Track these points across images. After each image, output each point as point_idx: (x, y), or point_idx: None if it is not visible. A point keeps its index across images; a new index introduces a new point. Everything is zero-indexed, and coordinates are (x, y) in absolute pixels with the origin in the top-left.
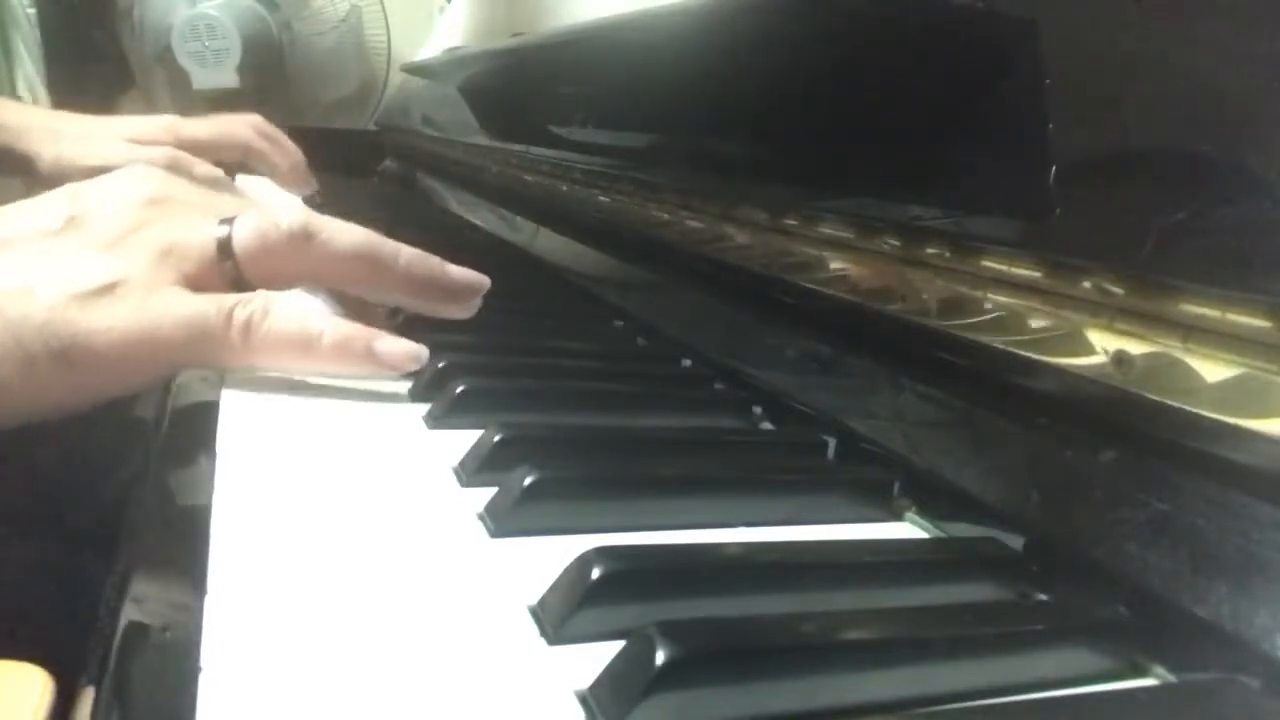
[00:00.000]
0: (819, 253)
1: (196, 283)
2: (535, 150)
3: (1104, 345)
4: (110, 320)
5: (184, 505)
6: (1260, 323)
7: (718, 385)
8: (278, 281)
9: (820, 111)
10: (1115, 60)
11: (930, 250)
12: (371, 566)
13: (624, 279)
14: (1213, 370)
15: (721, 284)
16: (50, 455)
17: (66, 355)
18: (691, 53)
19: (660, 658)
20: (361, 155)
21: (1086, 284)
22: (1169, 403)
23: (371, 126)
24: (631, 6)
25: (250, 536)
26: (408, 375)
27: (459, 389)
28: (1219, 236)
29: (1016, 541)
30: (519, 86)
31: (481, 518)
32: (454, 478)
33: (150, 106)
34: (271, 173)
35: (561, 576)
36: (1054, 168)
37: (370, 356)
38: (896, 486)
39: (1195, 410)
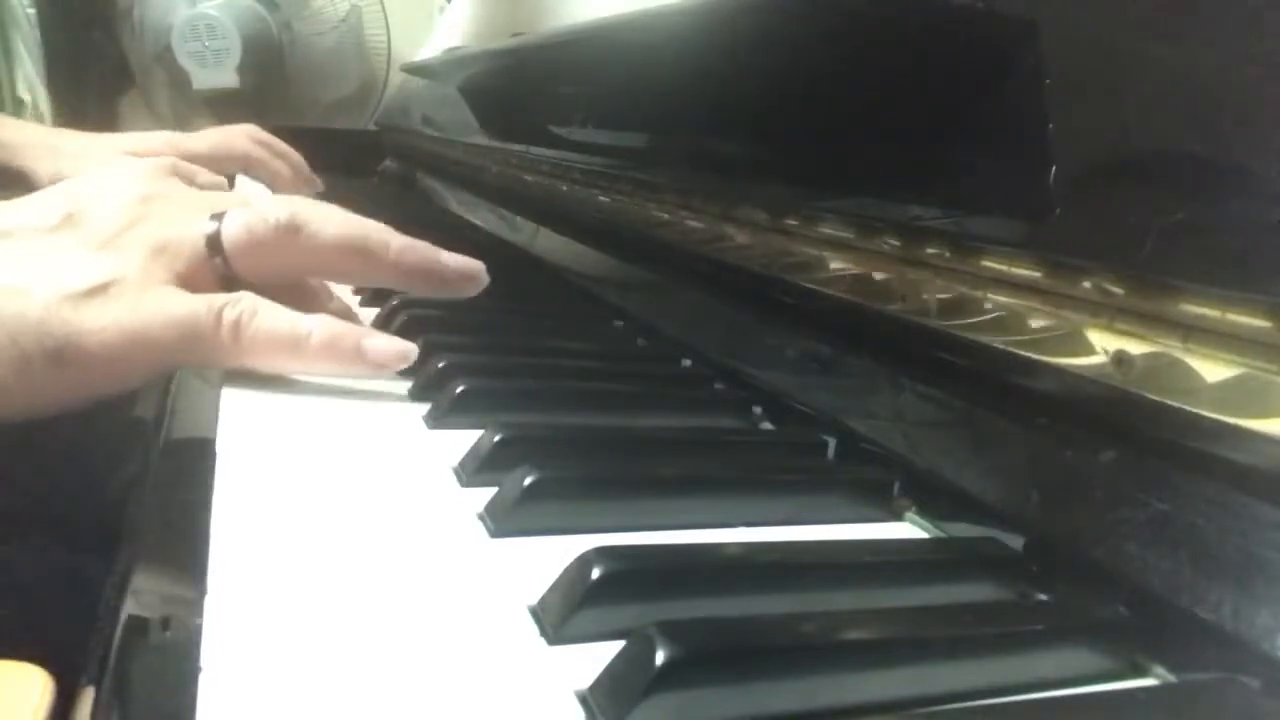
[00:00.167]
0: (819, 253)
1: (188, 280)
2: (535, 150)
3: (1104, 345)
4: (103, 320)
5: (184, 505)
6: (1260, 323)
7: (718, 385)
8: (268, 275)
9: (820, 111)
10: (1115, 60)
11: (930, 250)
12: (371, 567)
13: (624, 279)
14: (1213, 370)
15: (721, 284)
16: (50, 455)
17: (60, 354)
18: (691, 53)
19: (660, 658)
20: (361, 155)
21: (1086, 284)
22: (1169, 403)
23: (371, 126)
24: (631, 6)
25: (250, 536)
26: (407, 375)
27: (459, 389)
28: (1219, 236)
29: (1016, 541)
30: (519, 86)
31: (481, 518)
32: (454, 478)
33: (150, 106)
34: (274, 179)
35: (561, 576)
36: (1054, 168)
37: (359, 355)
38: (896, 486)
39: (1195, 410)
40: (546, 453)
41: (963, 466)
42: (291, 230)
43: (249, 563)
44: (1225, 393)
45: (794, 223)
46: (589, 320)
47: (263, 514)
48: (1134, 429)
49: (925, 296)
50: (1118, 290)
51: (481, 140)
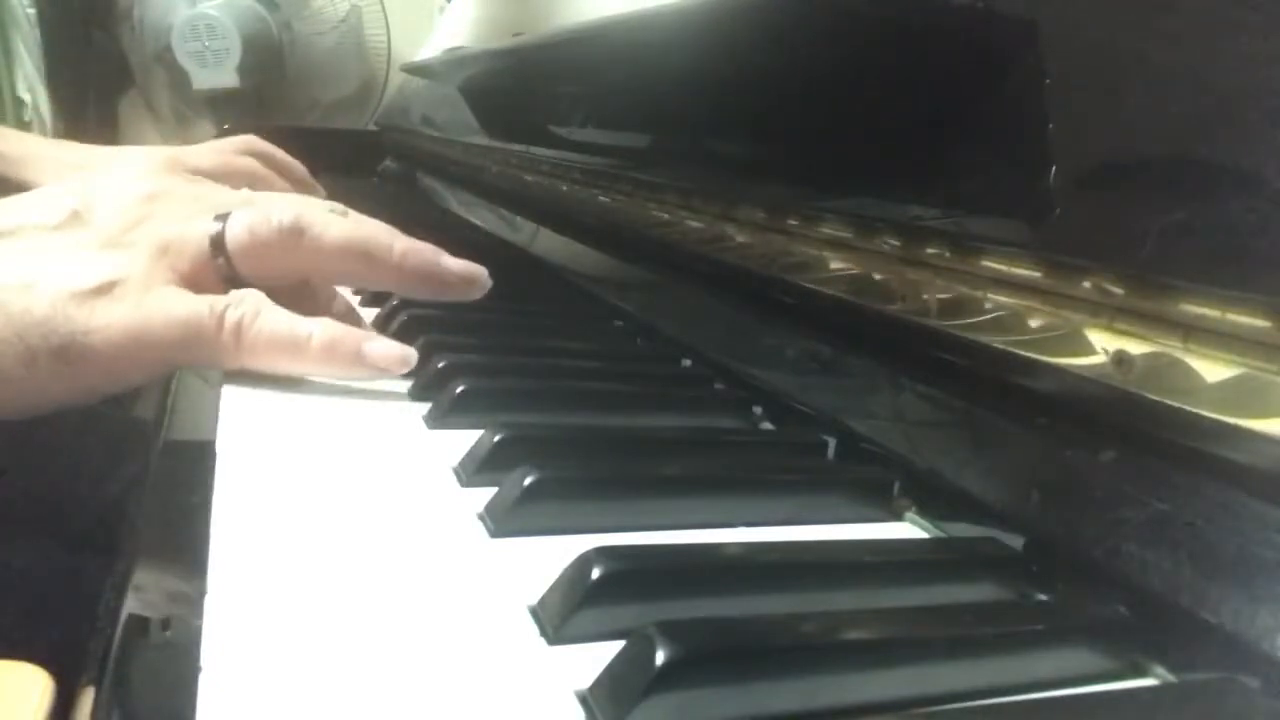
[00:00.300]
0: (819, 253)
1: (192, 280)
2: (535, 150)
3: (1104, 345)
4: (107, 319)
5: (184, 505)
6: (1260, 323)
7: (718, 385)
8: (271, 277)
9: (820, 111)
10: (1115, 60)
11: (930, 250)
12: (371, 567)
13: (624, 279)
14: (1213, 370)
15: (721, 284)
16: (50, 455)
17: (65, 352)
18: (691, 53)
19: (660, 658)
20: (361, 155)
21: (1086, 284)
22: (1169, 403)
23: (371, 126)
24: (631, 6)
25: (250, 536)
26: (407, 375)
27: (459, 389)
28: (1219, 236)
29: (1016, 541)
30: (519, 86)
31: (481, 518)
32: (454, 478)
33: (150, 106)
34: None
35: (561, 576)
36: (1054, 168)
37: (359, 359)
38: (896, 486)
39: (1195, 410)
40: (546, 453)
41: (963, 466)
42: (295, 233)
43: (249, 562)
44: (1225, 393)
45: (794, 223)
46: (589, 320)
47: (263, 514)
48: (1134, 429)
49: (925, 296)
50: (1118, 290)
51: (481, 140)
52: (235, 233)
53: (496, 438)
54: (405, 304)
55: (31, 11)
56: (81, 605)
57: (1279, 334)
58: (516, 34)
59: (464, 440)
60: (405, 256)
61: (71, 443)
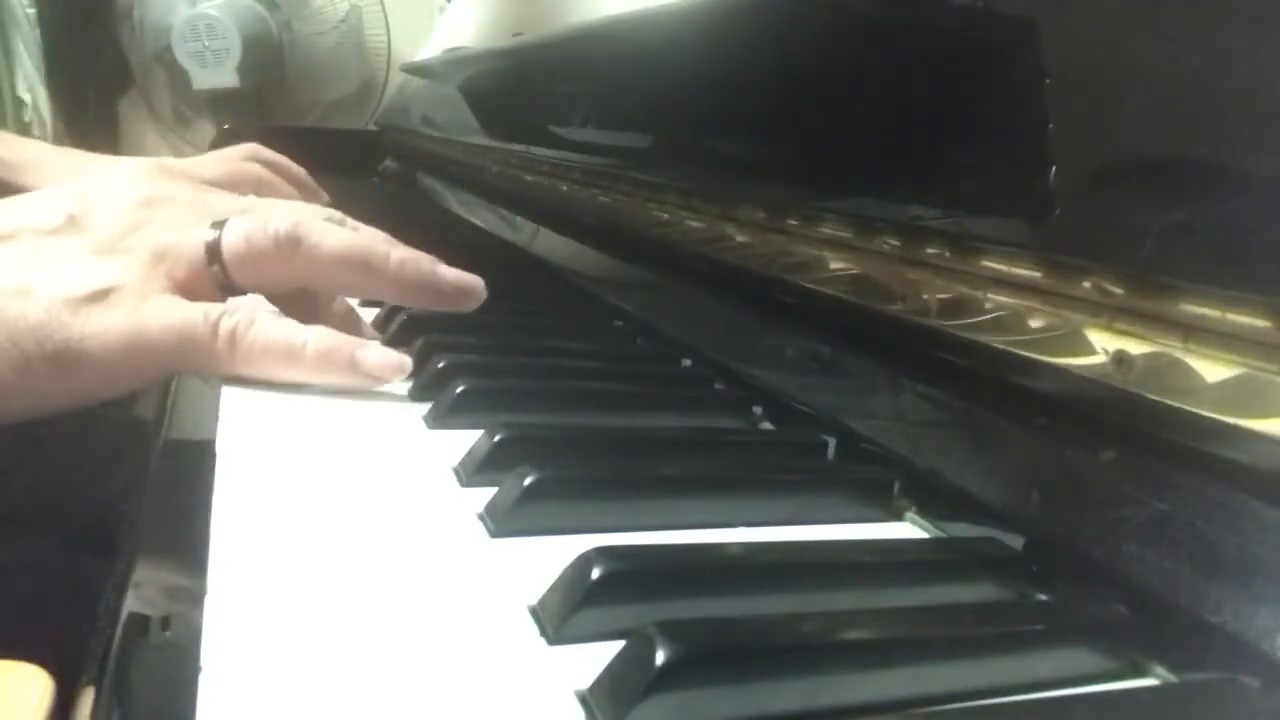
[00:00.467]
0: (819, 253)
1: (188, 287)
2: (535, 150)
3: (1104, 345)
4: (102, 326)
5: (184, 505)
6: (1260, 323)
7: (718, 385)
8: (267, 285)
9: (820, 111)
10: (1115, 60)
11: (930, 250)
12: (371, 567)
13: (624, 279)
14: (1213, 370)
15: (721, 284)
16: (50, 455)
17: (59, 358)
18: (691, 52)
19: (660, 658)
20: (361, 155)
21: (1086, 284)
22: (1169, 403)
23: (371, 126)
24: (632, 6)
25: (250, 537)
26: (407, 375)
27: (459, 389)
28: (1219, 236)
29: (1016, 541)
30: (519, 86)
31: (481, 518)
32: (454, 478)
33: (150, 106)
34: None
35: (561, 576)
36: (1054, 168)
37: (354, 367)
38: (896, 486)
39: (1195, 410)
40: (546, 453)
41: (963, 466)
42: (292, 242)
43: (249, 562)
44: (1225, 393)
45: (794, 223)
46: (589, 320)
47: (262, 514)
48: (1134, 429)
49: (925, 296)
50: (1118, 290)
51: (481, 140)
52: (231, 241)
53: (496, 438)
54: None
55: (31, 11)
56: (81, 605)
57: (1279, 334)
58: (516, 34)
59: (464, 440)
60: (402, 266)
61: (71, 443)
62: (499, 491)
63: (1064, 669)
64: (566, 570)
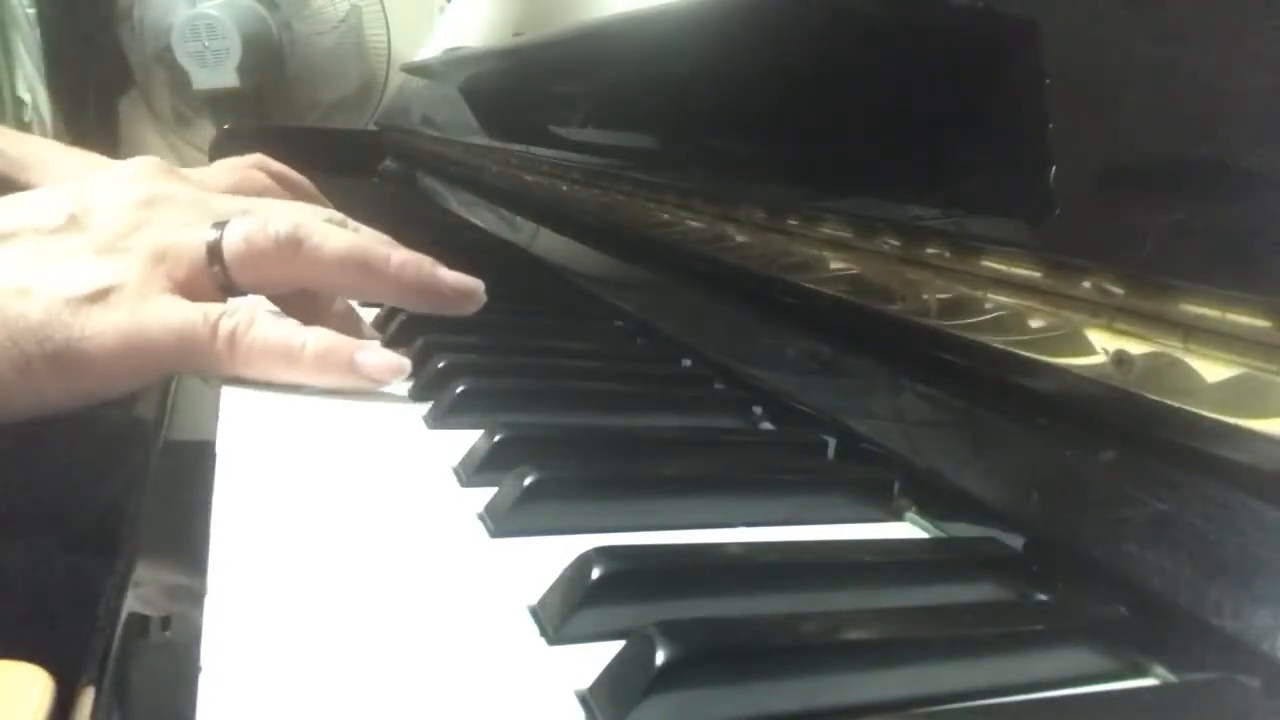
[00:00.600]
0: (819, 253)
1: (188, 287)
2: (535, 150)
3: (1104, 345)
4: (102, 326)
5: (184, 505)
6: (1260, 323)
7: (718, 385)
8: (268, 286)
9: (820, 111)
10: (1115, 60)
11: (930, 250)
12: (371, 567)
13: (624, 279)
14: (1213, 370)
15: (721, 284)
16: (50, 455)
17: (59, 358)
18: (691, 52)
19: (660, 658)
20: (361, 155)
21: (1086, 284)
22: (1169, 403)
23: (371, 126)
24: (632, 6)
25: (250, 537)
26: (407, 375)
27: (459, 389)
28: (1219, 236)
29: (1016, 541)
30: (519, 86)
31: (481, 518)
32: (454, 478)
33: (150, 106)
34: None
35: (561, 576)
36: (1054, 168)
37: (352, 369)
38: (896, 486)
39: (1195, 410)
40: (546, 453)
41: (963, 466)
42: (293, 243)
43: (249, 563)
44: (1225, 393)
45: (794, 223)
46: (589, 320)
47: (262, 514)
48: (1134, 429)
49: (925, 296)
50: (1118, 290)
51: (481, 140)
52: (232, 241)
53: (496, 438)
54: None
55: (31, 11)
56: (81, 605)
57: (1279, 334)
58: (516, 34)
59: (464, 440)
60: (403, 268)
61: (71, 443)
62: (499, 491)
63: (1064, 669)
64: (566, 570)
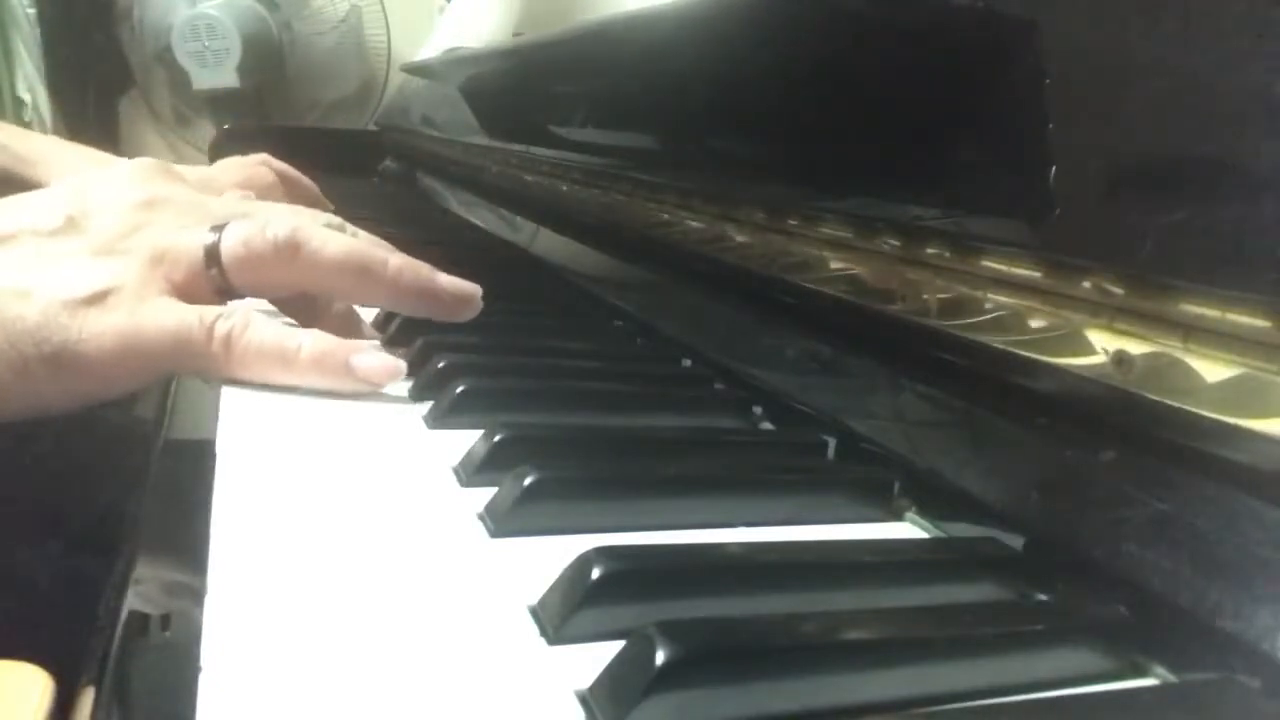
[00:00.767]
0: (819, 253)
1: (185, 290)
2: (535, 150)
3: (1104, 345)
4: (99, 328)
5: (184, 505)
6: (1260, 323)
7: (718, 385)
8: (265, 290)
9: (820, 111)
10: (1115, 60)
11: (930, 250)
12: (371, 567)
13: (624, 279)
14: (1213, 370)
15: (721, 284)
16: (50, 455)
17: (56, 359)
18: (691, 53)
19: (660, 658)
20: (361, 155)
21: (1086, 284)
22: (1169, 403)
23: (371, 126)
24: (632, 6)
25: (250, 537)
26: (407, 375)
27: (459, 389)
28: (1219, 236)
29: (1016, 541)
30: (519, 86)
31: (481, 518)
32: (454, 478)
33: (150, 106)
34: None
35: (561, 576)
36: (1054, 168)
37: (348, 371)
38: (896, 486)
39: (1195, 410)
40: (546, 453)
41: (963, 466)
42: (291, 247)
43: (249, 563)
44: (1225, 393)
45: (794, 223)
46: (589, 320)
47: (262, 514)
48: (1134, 429)
49: (925, 296)
50: (1118, 290)
51: (481, 140)
52: (230, 245)
53: (496, 438)
54: None
55: (31, 11)
56: (81, 605)
57: (1279, 334)
58: (516, 34)
59: (464, 440)
60: (400, 273)
61: (71, 443)
62: (499, 491)
63: (1064, 669)
64: (566, 570)
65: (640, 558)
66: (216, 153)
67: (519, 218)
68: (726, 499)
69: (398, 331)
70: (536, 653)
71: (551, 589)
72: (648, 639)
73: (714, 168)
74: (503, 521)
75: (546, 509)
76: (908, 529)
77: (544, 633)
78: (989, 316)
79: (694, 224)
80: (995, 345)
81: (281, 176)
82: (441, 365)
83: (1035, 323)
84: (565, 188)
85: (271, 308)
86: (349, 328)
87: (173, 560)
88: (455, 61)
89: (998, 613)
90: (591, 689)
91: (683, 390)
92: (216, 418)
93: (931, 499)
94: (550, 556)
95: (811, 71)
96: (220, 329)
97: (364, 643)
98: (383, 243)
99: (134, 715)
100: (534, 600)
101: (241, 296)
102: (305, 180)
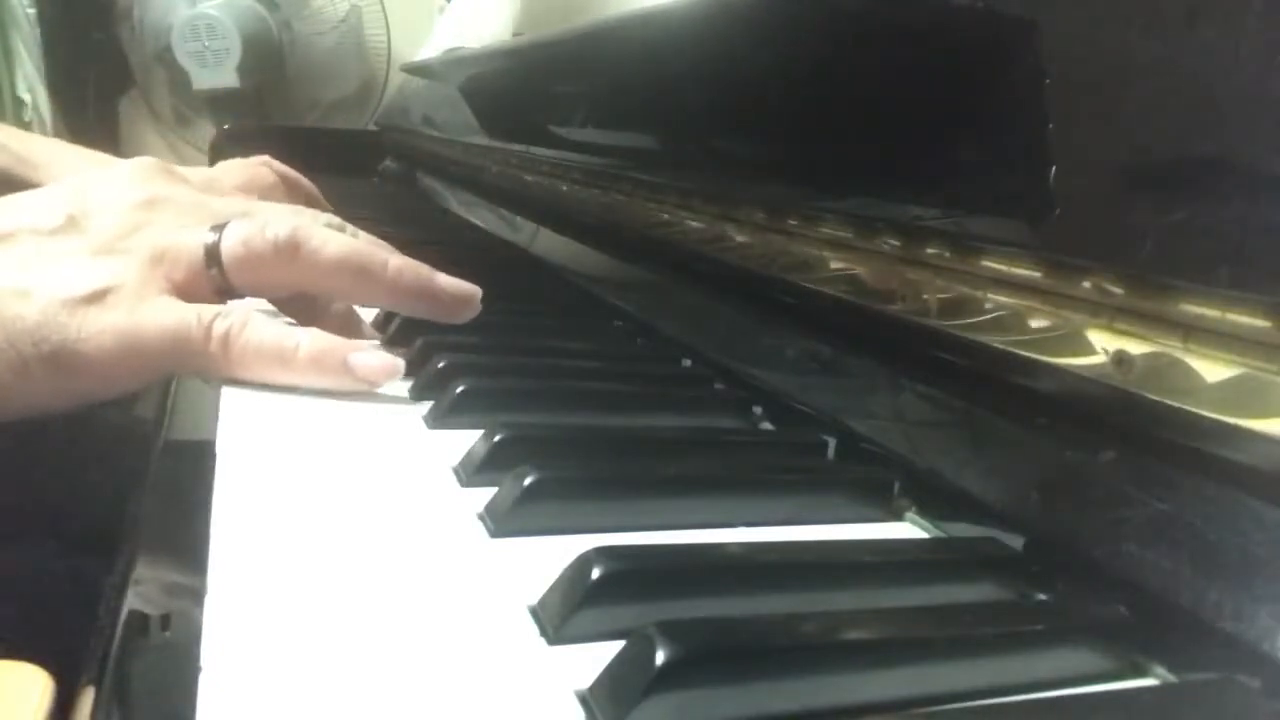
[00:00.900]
0: (819, 253)
1: (185, 289)
2: (535, 150)
3: (1104, 345)
4: (98, 327)
5: (184, 505)
6: (1260, 323)
7: (718, 385)
8: (265, 290)
9: (820, 111)
10: (1115, 60)
11: (930, 250)
12: (371, 567)
13: (624, 279)
14: (1213, 370)
15: (721, 284)
16: (50, 455)
17: (56, 358)
18: (691, 52)
19: (660, 658)
20: (361, 155)
21: (1086, 284)
22: (1169, 403)
23: (371, 126)
24: (632, 6)
25: (250, 537)
26: (407, 375)
27: (459, 389)
28: (1219, 236)
29: (1016, 541)
30: (519, 86)
31: (481, 518)
32: (454, 478)
33: (150, 106)
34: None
35: (561, 576)
36: (1054, 168)
37: (346, 370)
38: (896, 486)
39: (1195, 410)
40: (546, 453)
41: (963, 466)
42: (291, 247)
43: (249, 563)
44: (1225, 393)
45: (794, 223)
46: (589, 320)
47: (262, 514)
48: (1134, 429)
49: (925, 296)
50: (1118, 290)
51: (481, 140)
52: (230, 245)
53: (496, 438)
54: None
55: (31, 11)
56: (81, 605)
57: (1279, 334)
58: (516, 34)
59: (464, 440)
60: (400, 273)
61: (71, 443)
62: (499, 492)
63: (1064, 669)
64: (566, 570)
65: (640, 558)
66: (216, 153)
67: (519, 218)
68: (726, 499)
69: (397, 331)
70: (536, 653)
71: (551, 589)
72: (648, 639)
73: (714, 168)
74: (503, 521)
75: (546, 509)
76: (908, 529)
77: (544, 633)
78: (989, 316)
79: (694, 224)
80: (995, 345)
81: (282, 178)
82: (441, 365)
83: (1035, 323)
84: (565, 188)
85: (271, 308)
86: (349, 328)
87: (173, 560)
88: (455, 61)
89: (998, 613)
90: (591, 689)
91: (683, 390)
92: (216, 418)
93: (931, 499)
94: (550, 556)
95: (811, 71)
96: (219, 328)
97: (364, 643)
98: (383, 243)
99: (134, 715)
100: (534, 600)
101: (242, 296)
102: (306, 182)
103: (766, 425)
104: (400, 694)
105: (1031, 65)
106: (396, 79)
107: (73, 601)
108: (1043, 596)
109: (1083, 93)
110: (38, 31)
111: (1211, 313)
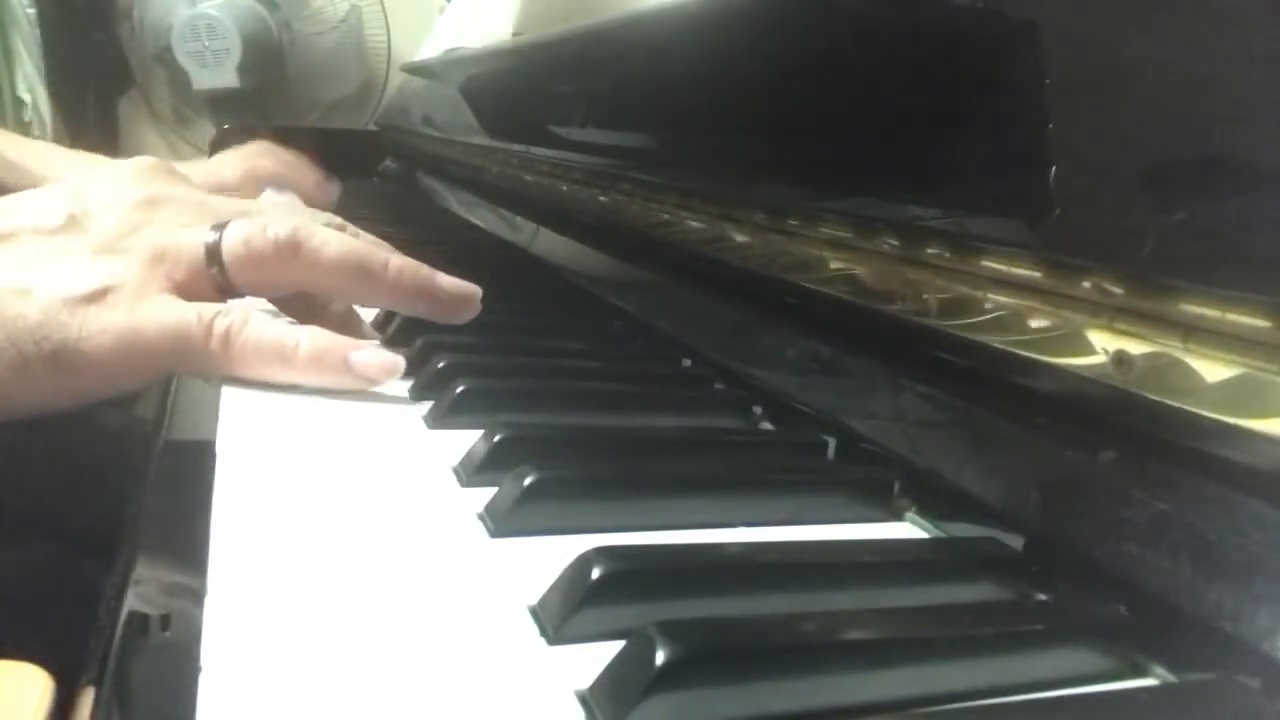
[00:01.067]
0: (819, 253)
1: (186, 288)
2: (535, 150)
3: (1104, 345)
4: (99, 326)
5: (184, 505)
6: (1260, 323)
7: (718, 385)
8: (265, 289)
9: (820, 111)
10: (1115, 59)
11: (930, 250)
12: (371, 567)
13: (624, 279)
14: (1213, 370)
15: (721, 284)
16: (50, 455)
17: (56, 357)
18: (692, 53)
19: (660, 658)
20: (361, 155)
21: (1086, 284)
22: (1169, 403)
23: (371, 126)
24: (632, 6)
25: (250, 537)
26: (407, 375)
27: (459, 389)
28: (1219, 236)
29: (1016, 541)
30: (519, 86)
31: (481, 518)
32: (454, 478)
33: (150, 106)
34: (300, 190)
35: (561, 576)
36: (1054, 168)
37: (346, 368)
38: (896, 486)
39: (1195, 410)
40: (546, 453)
41: (963, 466)
42: (291, 246)
43: (249, 563)
44: (1225, 393)
45: (794, 223)
46: (589, 320)
47: (262, 514)
48: (1134, 429)
49: (925, 296)
50: (1118, 290)
51: (481, 140)
52: (231, 244)
53: (496, 438)
54: None
55: (31, 11)
56: (81, 605)
57: (1279, 334)
58: (516, 34)
59: (464, 440)
60: (400, 273)
61: (71, 443)
62: (499, 491)
63: (1064, 669)
64: (566, 570)
65: (640, 558)
66: (216, 153)
67: (519, 218)
68: (726, 499)
69: (397, 331)
70: (536, 653)
71: (551, 589)
72: (648, 639)
73: (714, 168)
74: (503, 521)
75: (546, 509)
76: (908, 529)
77: (544, 633)
78: (989, 316)
79: (694, 224)
80: (995, 345)
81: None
82: (441, 365)
83: (1035, 323)
84: (565, 188)
85: (272, 307)
86: (349, 327)
87: (173, 560)
88: (455, 61)
89: (998, 613)
90: (591, 689)
91: (683, 390)
92: (216, 418)
93: (931, 499)
94: (550, 556)
95: (811, 71)
96: (219, 326)
97: (364, 643)
98: (383, 243)
99: (134, 715)
100: (534, 600)
101: (242, 295)
102: (306, 165)
103: (766, 425)
104: (400, 694)
105: (1031, 65)
106: (396, 79)
107: (73, 601)
108: (1043, 596)
109: (1083, 93)
110: (38, 31)
111: (1211, 313)
